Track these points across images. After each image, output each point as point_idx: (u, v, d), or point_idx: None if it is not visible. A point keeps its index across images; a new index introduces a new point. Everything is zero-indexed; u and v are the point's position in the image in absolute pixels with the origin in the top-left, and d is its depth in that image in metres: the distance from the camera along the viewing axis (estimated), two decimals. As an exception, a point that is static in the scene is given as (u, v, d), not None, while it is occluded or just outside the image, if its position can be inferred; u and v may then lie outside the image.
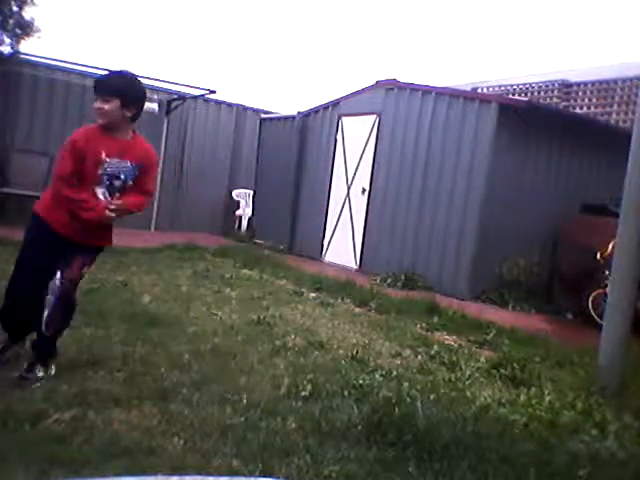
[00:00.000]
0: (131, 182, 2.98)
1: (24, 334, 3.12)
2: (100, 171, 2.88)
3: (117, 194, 2.95)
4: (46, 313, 2.91)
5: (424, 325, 5.02)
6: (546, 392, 3.45)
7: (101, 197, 2.92)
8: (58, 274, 2.90)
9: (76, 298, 3.03)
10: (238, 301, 5.13)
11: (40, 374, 2.89)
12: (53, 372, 2.96)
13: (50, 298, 2.91)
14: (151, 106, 9.05)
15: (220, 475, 2.17)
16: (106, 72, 3.07)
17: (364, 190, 8.32)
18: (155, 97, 9.27)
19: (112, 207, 2.91)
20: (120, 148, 2.93)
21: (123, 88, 2.91)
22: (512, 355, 4.09)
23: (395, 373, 3.50)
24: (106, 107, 2.86)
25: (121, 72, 3.04)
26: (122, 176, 2.94)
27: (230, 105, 11.17)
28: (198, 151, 10.75)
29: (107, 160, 2.88)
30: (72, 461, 2.09)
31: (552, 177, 7.38)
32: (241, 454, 2.30)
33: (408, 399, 2.92)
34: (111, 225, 3.09)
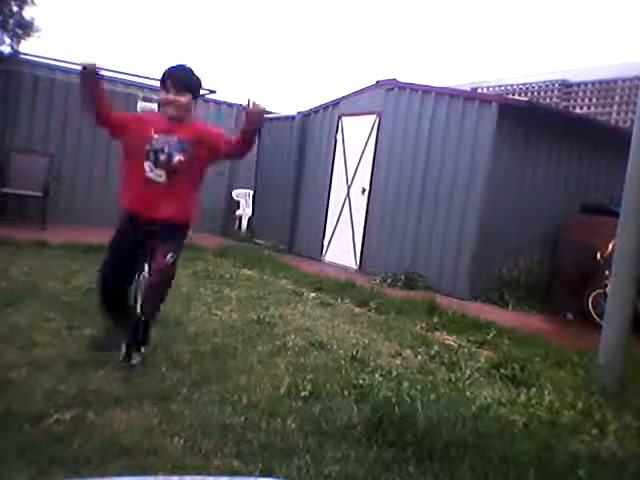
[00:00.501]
0: (178, 156, 3.09)
1: (120, 317, 3.27)
2: (148, 147, 3.09)
3: (162, 169, 3.09)
4: (139, 301, 3.18)
5: (424, 325, 5.02)
6: (546, 392, 3.45)
7: (147, 170, 3.09)
8: (146, 267, 3.17)
9: (169, 282, 3.17)
10: (238, 301, 5.13)
11: (134, 361, 3.12)
12: (143, 354, 3.19)
13: (141, 287, 3.18)
14: (151, 106, 9.06)
15: (220, 475, 2.17)
16: (173, 67, 3.21)
17: (364, 190, 8.32)
18: (155, 97, 9.26)
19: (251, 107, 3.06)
20: (170, 124, 3.13)
21: (195, 83, 3.22)
22: (512, 355, 4.09)
23: (395, 373, 3.50)
24: (182, 100, 3.12)
25: (187, 67, 3.24)
26: (166, 149, 3.09)
27: (230, 105, 11.15)
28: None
29: (154, 136, 3.09)
30: (72, 461, 2.09)
31: (552, 177, 7.39)
32: (241, 454, 2.30)
33: (408, 399, 2.92)
34: (188, 199, 3.24)
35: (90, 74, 3.06)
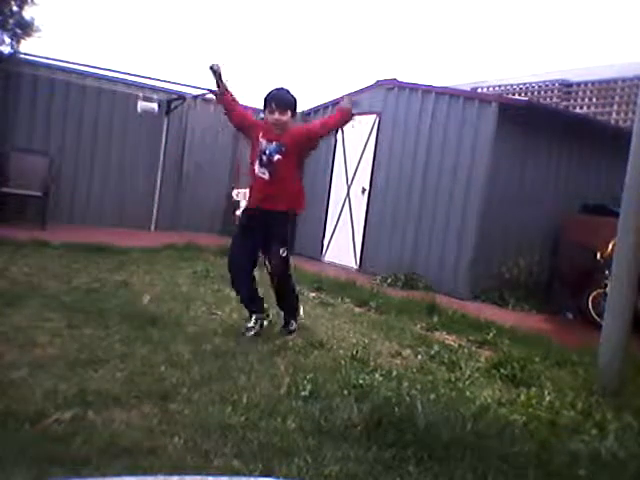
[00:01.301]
0: (277, 156, 3.71)
1: (254, 303, 4.06)
2: (258, 149, 3.76)
3: (265, 168, 3.74)
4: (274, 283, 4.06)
5: (424, 325, 5.02)
6: (546, 392, 3.44)
7: (256, 168, 3.78)
8: (267, 260, 3.94)
9: (287, 270, 4.01)
10: (238, 301, 5.11)
11: (293, 327, 4.16)
12: (302, 315, 4.37)
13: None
14: (151, 106, 9.05)
15: (220, 475, 2.17)
16: (275, 89, 3.80)
17: (364, 190, 8.32)
18: (155, 97, 9.26)
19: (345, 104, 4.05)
20: (272, 134, 3.74)
21: (293, 102, 3.77)
22: (512, 355, 4.09)
23: (395, 373, 3.50)
24: (284, 118, 3.71)
25: (285, 89, 3.82)
26: (267, 151, 3.73)
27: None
28: (198, 151, 10.74)
29: (261, 140, 3.75)
30: (72, 461, 2.08)
31: (552, 177, 7.39)
32: (241, 454, 2.29)
33: (408, 399, 2.92)
34: (297, 191, 3.93)
35: (215, 75, 3.72)
